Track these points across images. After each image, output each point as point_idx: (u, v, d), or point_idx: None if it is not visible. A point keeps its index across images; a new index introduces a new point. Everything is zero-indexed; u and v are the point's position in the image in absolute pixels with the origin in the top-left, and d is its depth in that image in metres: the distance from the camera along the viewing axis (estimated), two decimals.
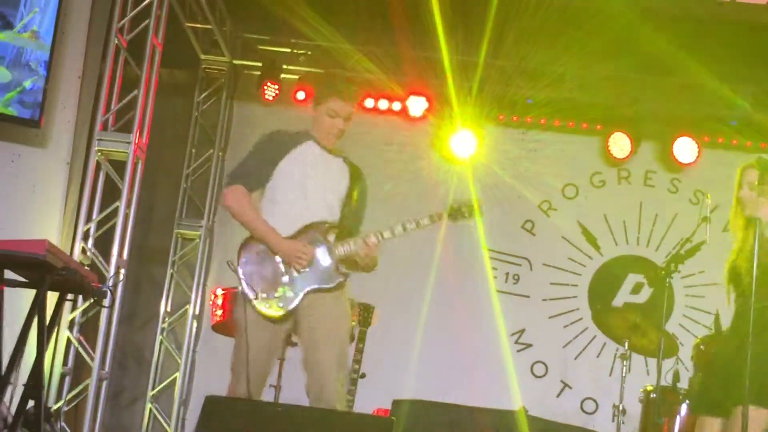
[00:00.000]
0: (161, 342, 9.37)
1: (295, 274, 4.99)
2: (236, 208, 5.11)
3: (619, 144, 9.59)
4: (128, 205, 7.56)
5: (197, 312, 9.43)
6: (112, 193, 7.61)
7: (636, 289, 9.62)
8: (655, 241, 9.69)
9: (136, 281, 9.34)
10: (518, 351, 9.57)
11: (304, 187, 5.09)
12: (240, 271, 5.05)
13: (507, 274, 9.72)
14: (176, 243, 9.58)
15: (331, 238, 5.10)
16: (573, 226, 9.82)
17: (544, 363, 9.58)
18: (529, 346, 9.61)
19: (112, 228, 7.52)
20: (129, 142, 7.51)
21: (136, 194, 7.61)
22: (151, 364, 9.33)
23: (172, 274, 9.52)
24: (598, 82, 9.77)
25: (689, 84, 9.67)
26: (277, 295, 4.97)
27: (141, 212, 8.06)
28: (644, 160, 9.81)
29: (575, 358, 9.55)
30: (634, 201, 9.83)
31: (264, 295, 4.96)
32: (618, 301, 9.67)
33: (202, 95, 9.79)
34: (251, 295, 4.99)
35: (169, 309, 9.48)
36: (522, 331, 9.61)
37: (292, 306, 4.97)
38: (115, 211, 7.54)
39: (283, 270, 5.00)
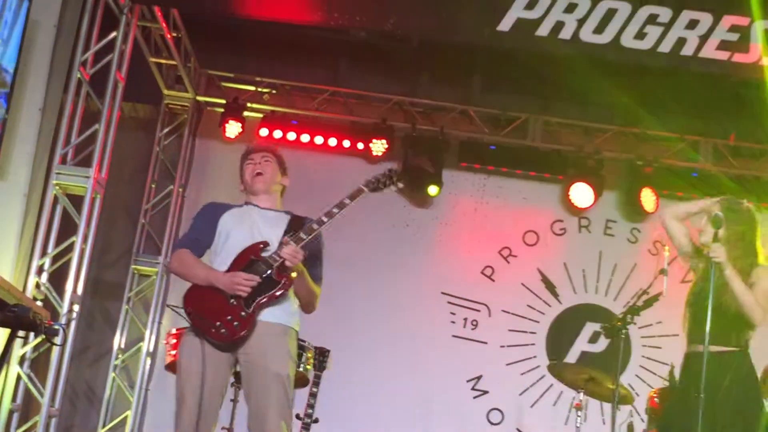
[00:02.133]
0: (114, 379, 9.23)
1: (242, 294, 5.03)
2: (176, 265, 5.23)
3: (582, 193, 9.62)
4: (84, 241, 7.47)
5: (151, 349, 9.30)
6: (68, 227, 7.51)
7: (594, 338, 9.62)
8: (614, 290, 9.71)
9: (89, 316, 9.23)
10: (474, 397, 9.52)
11: (243, 231, 5.18)
12: (188, 310, 5.07)
13: (465, 319, 9.69)
14: (132, 279, 9.47)
15: (266, 253, 5.12)
16: (533, 273, 9.82)
17: (500, 410, 9.54)
18: (486, 392, 9.56)
19: (68, 263, 7.43)
20: (88, 177, 7.44)
21: (93, 229, 7.52)
22: (103, 401, 9.18)
23: (127, 310, 9.41)
24: (561, 130, 9.84)
25: (651, 136, 9.77)
26: (228, 318, 4.98)
27: (97, 247, 7.99)
28: (605, 210, 9.86)
29: (531, 406, 9.51)
30: (593, 250, 9.86)
31: (217, 323, 4.97)
32: (575, 349, 9.67)
33: (164, 130, 9.73)
34: (204, 328, 4.99)
35: (122, 345, 9.36)
36: (479, 378, 9.57)
37: (246, 326, 4.99)
38: (71, 246, 7.45)
39: (229, 295, 5.02)
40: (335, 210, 5.11)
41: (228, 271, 5.07)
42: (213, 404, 5.04)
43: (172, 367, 7.08)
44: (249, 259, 5.08)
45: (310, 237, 5.08)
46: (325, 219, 5.10)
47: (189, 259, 5.18)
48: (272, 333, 5.04)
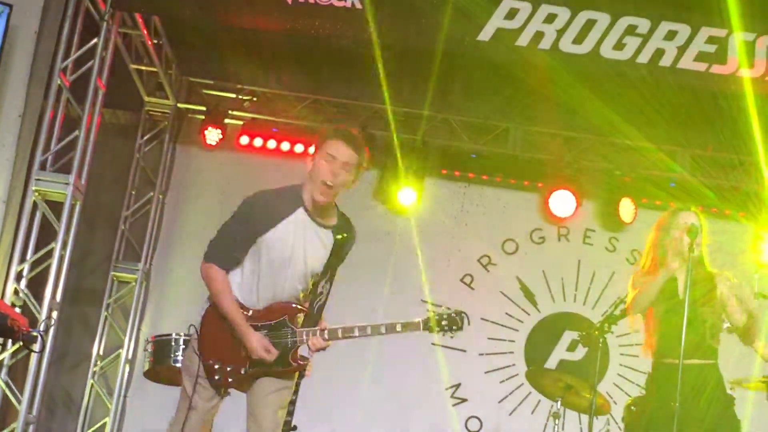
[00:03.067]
0: (92, 386, 9.21)
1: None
2: (208, 283, 4.87)
3: (563, 202, 9.65)
4: (64, 247, 7.47)
5: (130, 356, 9.28)
6: (47, 233, 7.50)
7: (572, 347, 9.65)
8: (592, 299, 9.76)
9: (68, 323, 9.20)
10: (453, 405, 9.55)
11: (281, 267, 4.84)
12: (200, 333, 4.92)
13: None
14: (112, 285, 9.45)
15: (299, 321, 4.94)
16: (512, 281, 9.86)
17: (478, 418, 9.56)
18: (465, 400, 9.59)
19: (47, 269, 7.41)
20: (67, 183, 7.43)
21: (72, 236, 7.51)
22: (81, 408, 9.15)
23: (106, 317, 9.38)
24: (541, 139, 9.88)
25: (629, 146, 9.81)
26: (229, 369, 4.87)
27: (77, 253, 7.96)
28: (584, 219, 9.90)
29: (510, 414, 9.54)
30: (572, 259, 9.90)
31: (216, 366, 4.86)
32: (554, 358, 9.71)
33: (145, 137, 9.72)
34: (204, 364, 4.88)
35: (101, 352, 9.33)
36: (458, 386, 9.60)
37: (241, 384, 4.94)
38: (50, 253, 7.44)
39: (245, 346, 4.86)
40: (382, 329, 4.99)
41: (256, 315, 4.84)
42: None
43: (150, 374, 7.10)
44: (281, 318, 4.87)
45: (341, 338, 4.95)
46: (369, 331, 4.98)
47: (221, 285, 4.82)
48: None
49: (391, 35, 7.86)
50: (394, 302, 9.41)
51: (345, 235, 4.95)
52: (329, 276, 4.95)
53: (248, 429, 4.99)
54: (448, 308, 5.14)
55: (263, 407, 4.96)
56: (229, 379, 4.89)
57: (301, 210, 4.86)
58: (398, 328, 4.97)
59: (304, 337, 4.87)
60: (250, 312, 4.89)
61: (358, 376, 9.25)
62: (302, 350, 5.00)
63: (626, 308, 5.69)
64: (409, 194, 9.48)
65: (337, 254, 4.93)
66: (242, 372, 4.89)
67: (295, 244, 4.82)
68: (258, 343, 4.80)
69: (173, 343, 6.62)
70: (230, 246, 4.84)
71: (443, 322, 5.08)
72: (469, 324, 5.17)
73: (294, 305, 4.91)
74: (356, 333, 4.96)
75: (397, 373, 9.37)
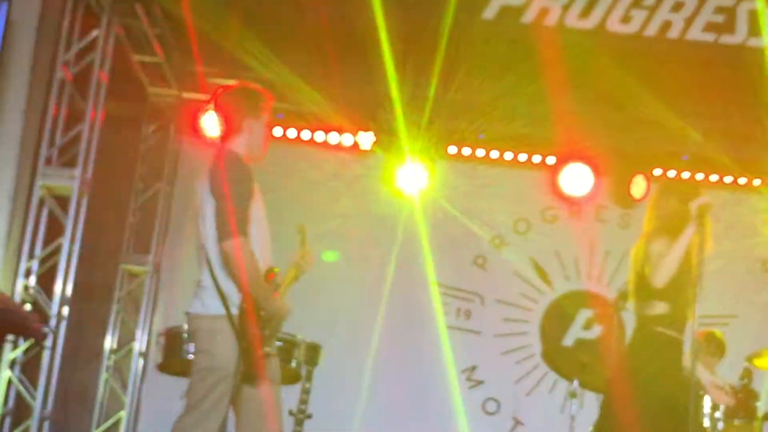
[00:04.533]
0: (106, 380, 9.17)
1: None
2: (247, 265, 4.79)
3: (579, 177, 9.55)
4: (72, 242, 7.45)
5: (143, 349, 9.24)
6: (55, 228, 7.46)
7: (587, 325, 9.59)
8: (607, 276, 9.68)
9: (79, 318, 9.12)
10: (470, 388, 9.49)
11: (261, 220, 4.98)
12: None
13: (458, 309, 9.65)
14: (122, 279, 9.41)
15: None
16: (525, 261, 9.79)
17: (495, 400, 9.52)
18: (481, 382, 9.54)
19: (56, 265, 7.38)
20: (74, 177, 7.40)
21: (80, 230, 7.48)
22: (95, 403, 9.12)
23: (117, 311, 9.34)
24: (549, 116, 9.77)
25: (640, 119, 9.71)
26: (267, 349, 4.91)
27: (85, 247, 7.91)
28: (596, 196, 9.80)
29: (527, 395, 9.49)
30: (585, 236, 9.82)
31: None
32: (569, 336, 9.64)
33: (150, 128, 9.65)
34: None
35: (114, 346, 9.29)
36: (473, 368, 9.54)
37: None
38: (59, 248, 7.41)
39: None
40: None
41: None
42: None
43: (164, 366, 7.05)
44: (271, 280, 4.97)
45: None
46: None
47: (255, 262, 4.83)
48: None
49: (397, 16, 7.80)
50: (405, 286, 9.35)
51: None
52: None
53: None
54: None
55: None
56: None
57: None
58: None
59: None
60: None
61: (371, 361, 9.20)
62: None
63: (654, 279, 5.48)
64: (416, 177, 9.38)
65: None
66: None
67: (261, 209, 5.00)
68: (281, 308, 4.91)
69: (184, 335, 6.56)
70: (247, 211, 4.83)
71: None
72: None
73: (268, 272, 4.95)
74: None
75: (411, 356, 9.32)
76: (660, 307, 5.50)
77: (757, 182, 9.77)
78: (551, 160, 9.74)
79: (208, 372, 4.84)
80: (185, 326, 6.65)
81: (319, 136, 9.51)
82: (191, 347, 6.52)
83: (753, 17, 8.02)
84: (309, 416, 6.76)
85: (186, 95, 9.66)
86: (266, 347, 4.86)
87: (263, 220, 5.00)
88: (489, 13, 7.95)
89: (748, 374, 6.56)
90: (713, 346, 7.65)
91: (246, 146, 5.01)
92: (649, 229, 5.72)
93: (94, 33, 7.65)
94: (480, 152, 9.75)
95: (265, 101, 5.12)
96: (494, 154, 9.76)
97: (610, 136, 9.78)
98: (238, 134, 5.03)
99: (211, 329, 4.87)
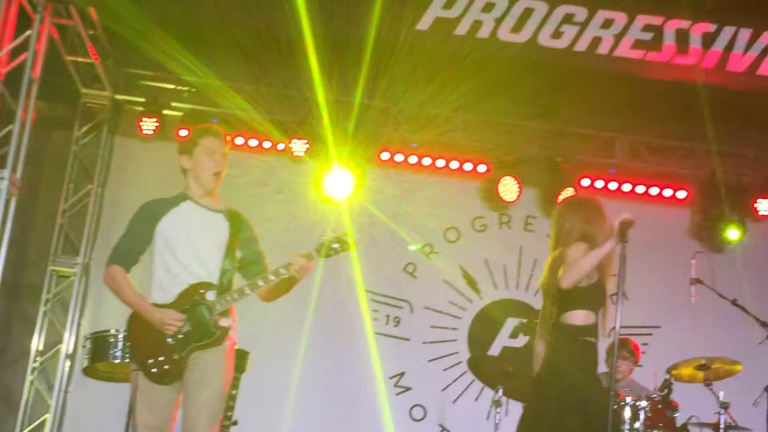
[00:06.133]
0: (31, 382, 9.07)
1: (179, 335, 5.04)
2: (109, 282, 5.24)
3: (507, 188, 9.68)
4: (0, 242, 7.35)
5: (70, 351, 9.15)
6: None
7: (515, 333, 9.72)
8: (534, 285, 9.80)
9: (6, 318, 9.09)
10: (397, 394, 9.56)
11: (182, 250, 5.15)
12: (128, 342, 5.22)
13: (388, 316, 9.73)
14: (50, 280, 9.32)
15: (211, 296, 5.11)
16: (454, 269, 9.88)
17: (422, 406, 9.59)
18: (409, 389, 9.61)
19: None
20: (3, 178, 7.33)
21: (8, 232, 7.41)
22: (20, 405, 9.01)
23: (45, 312, 9.26)
24: (480, 126, 9.89)
25: (569, 133, 9.89)
26: (161, 359, 5.02)
27: (14, 248, 7.85)
28: (525, 206, 9.94)
29: (454, 402, 9.59)
30: (514, 245, 9.95)
31: (150, 361, 5.03)
32: (497, 344, 9.75)
33: (82, 129, 9.58)
34: (139, 363, 5.06)
35: (41, 348, 9.20)
36: (401, 374, 9.61)
37: (177, 366, 5.03)
38: None
39: (167, 333, 5.06)
40: (282, 271, 5.12)
41: (172, 303, 5.07)
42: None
43: (89, 370, 7.02)
44: (194, 299, 5.09)
45: (248, 293, 5.15)
46: (272, 278, 5.13)
47: (121, 281, 5.18)
48: (205, 351, 5.08)
49: (324, 24, 7.85)
50: (335, 293, 9.37)
51: (240, 218, 5.34)
52: (231, 254, 5.21)
53: (184, 409, 5.04)
54: (333, 232, 5.32)
55: (200, 383, 5.02)
56: (165, 367, 5.01)
57: (188, 201, 5.26)
58: (291, 263, 5.10)
59: (217, 306, 5.09)
60: (168, 306, 5.10)
61: (300, 368, 9.21)
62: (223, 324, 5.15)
63: (562, 281, 5.55)
64: (343, 183, 9.41)
65: (235, 234, 5.24)
66: (176, 357, 5.02)
67: (190, 224, 5.18)
68: (161, 316, 5.03)
69: (111, 339, 6.54)
70: (129, 245, 5.23)
71: (334, 245, 5.25)
72: None
73: (201, 282, 5.12)
74: (260, 283, 5.14)
75: (340, 362, 9.36)
76: (579, 317, 5.58)
77: (681, 194, 9.98)
78: (482, 168, 9.83)
79: None
80: (113, 330, 6.68)
81: (253, 142, 9.51)
82: (118, 351, 6.57)
83: (680, 35, 8.21)
84: (235, 423, 6.78)
85: (119, 97, 9.63)
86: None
87: (192, 233, 5.16)
88: (423, 24, 8.03)
89: (668, 385, 6.67)
90: (626, 351, 7.83)
91: (195, 186, 5.27)
92: (553, 243, 5.79)
93: (27, 33, 7.59)
94: (412, 159, 9.81)
95: (202, 132, 5.35)
96: (425, 162, 9.83)
97: (540, 146, 9.92)
98: (186, 178, 5.31)
99: None
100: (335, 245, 5.25)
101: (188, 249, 5.13)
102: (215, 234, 5.22)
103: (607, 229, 5.51)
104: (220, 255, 5.18)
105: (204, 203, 5.26)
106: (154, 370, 5.01)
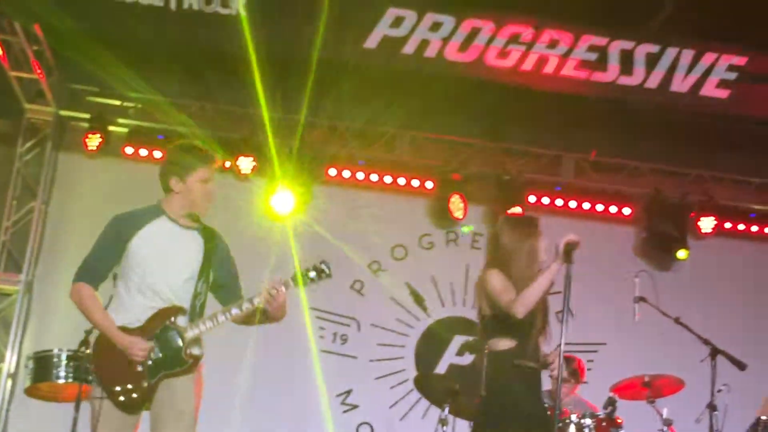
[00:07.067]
0: None
1: (149, 362, 4.90)
2: (76, 300, 5.01)
3: (454, 206, 9.72)
4: None
5: (12, 371, 9.03)
6: None
7: (461, 351, 9.72)
8: None
9: None
10: (344, 412, 9.54)
11: (153, 271, 4.97)
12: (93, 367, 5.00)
13: (335, 334, 9.70)
14: None
15: (182, 321, 4.98)
16: (401, 287, 9.83)
17: (369, 424, 9.58)
18: (356, 407, 9.59)
19: None
20: None
21: None
22: None
23: None
24: (427, 143, 9.93)
25: (516, 150, 9.96)
26: (129, 387, 4.88)
27: None
28: (471, 224, 9.98)
29: (401, 420, 9.58)
30: (461, 263, 9.97)
31: (117, 389, 4.87)
32: (444, 362, 9.77)
33: (26, 145, 9.49)
34: (107, 390, 4.88)
35: None
36: (348, 392, 9.60)
37: (146, 394, 4.90)
38: None
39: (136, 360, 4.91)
40: (255, 300, 5.06)
41: (141, 330, 4.90)
42: None
43: (31, 390, 6.94)
44: (164, 324, 4.94)
45: (220, 322, 5.04)
46: (244, 308, 5.06)
47: (87, 301, 4.97)
48: (175, 379, 4.95)
49: (268, 42, 7.85)
50: None
51: (215, 237, 5.22)
52: (204, 276, 5.08)
53: None
54: (316, 264, 5.26)
55: (169, 409, 4.91)
56: (134, 395, 4.87)
57: (164, 217, 5.09)
58: (266, 293, 5.04)
59: (189, 333, 4.95)
60: (136, 330, 4.92)
61: (246, 385, 9.14)
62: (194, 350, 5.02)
63: (515, 307, 5.54)
64: (287, 200, 9.38)
65: (209, 255, 5.10)
66: (145, 384, 4.88)
67: (163, 243, 5.02)
68: (129, 343, 4.86)
69: (55, 359, 6.47)
70: (98, 261, 5.03)
71: (311, 274, 5.21)
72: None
73: (172, 306, 4.97)
74: (234, 311, 5.05)
75: (287, 380, 9.31)
76: (506, 343, 5.61)
77: (626, 211, 10.09)
78: (429, 185, 9.87)
79: None
80: (56, 350, 6.59)
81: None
82: (62, 371, 6.49)
83: (625, 56, 8.32)
84: None
85: (64, 113, 9.54)
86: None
87: (165, 253, 5.01)
88: (371, 42, 8.07)
89: (612, 403, 6.72)
90: (569, 370, 7.85)
91: (178, 205, 5.10)
92: (488, 261, 5.82)
93: None
94: (360, 175, 9.82)
95: (198, 161, 5.17)
96: (374, 177, 9.84)
97: (487, 164, 9.98)
98: (168, 194, 5.14)
99: None
100: (311, 274, 5.20)
101: (160, 269, 4.96)
102: (188, 255, 5.05)
103: (542, 248, 5.57)
104: (193, 277, 5.03)
105: (181, 222, 5.10)
106: (122, 398, 4.85)
